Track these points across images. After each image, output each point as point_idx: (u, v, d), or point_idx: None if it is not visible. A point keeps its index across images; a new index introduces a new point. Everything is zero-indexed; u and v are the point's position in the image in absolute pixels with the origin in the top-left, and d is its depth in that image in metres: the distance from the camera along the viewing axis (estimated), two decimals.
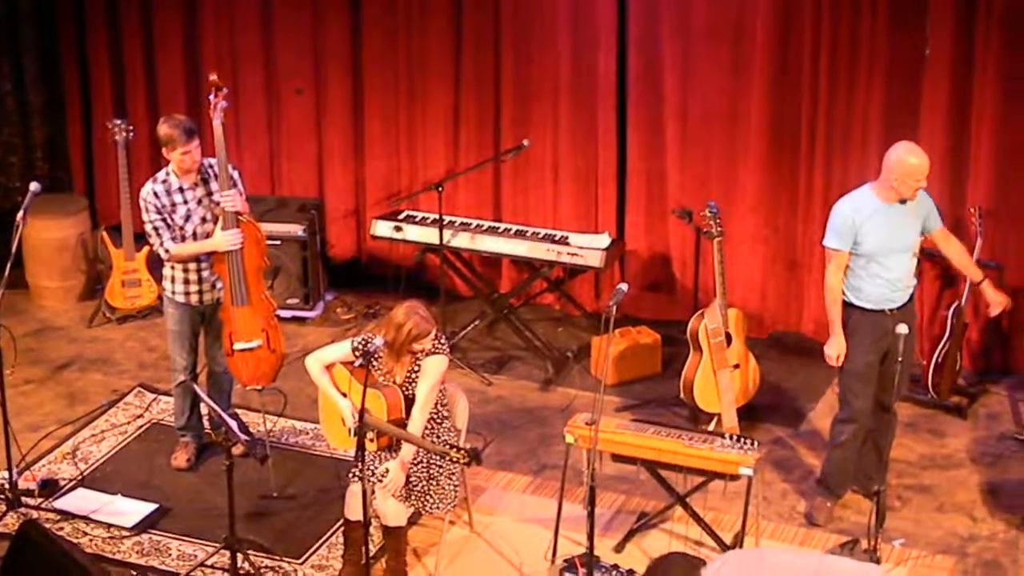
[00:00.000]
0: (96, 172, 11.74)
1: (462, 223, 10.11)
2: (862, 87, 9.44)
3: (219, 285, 8.29)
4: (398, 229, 10.13)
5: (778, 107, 9.69)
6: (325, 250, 10.99)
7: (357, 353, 7.43)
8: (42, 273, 10.89)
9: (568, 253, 9.71)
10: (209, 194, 8.21)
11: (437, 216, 9.80)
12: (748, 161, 9.86)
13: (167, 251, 8.16)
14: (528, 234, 9.95)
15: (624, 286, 7.12)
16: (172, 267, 8.29)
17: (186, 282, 8.30)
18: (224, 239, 8.10)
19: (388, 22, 10.57)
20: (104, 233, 10.69)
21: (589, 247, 9.68)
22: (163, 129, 8.08)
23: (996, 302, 8.15)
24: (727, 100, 9.81)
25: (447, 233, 9.87)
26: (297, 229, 10.50)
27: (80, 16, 11.44)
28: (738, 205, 9.90)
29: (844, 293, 7.83)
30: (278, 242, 10.36)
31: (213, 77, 8.24)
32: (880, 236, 7.66)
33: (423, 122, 10.70)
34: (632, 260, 10.34)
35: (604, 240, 9.76)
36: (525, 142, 10.05)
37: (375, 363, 7.46)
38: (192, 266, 8.26)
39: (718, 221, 8.75)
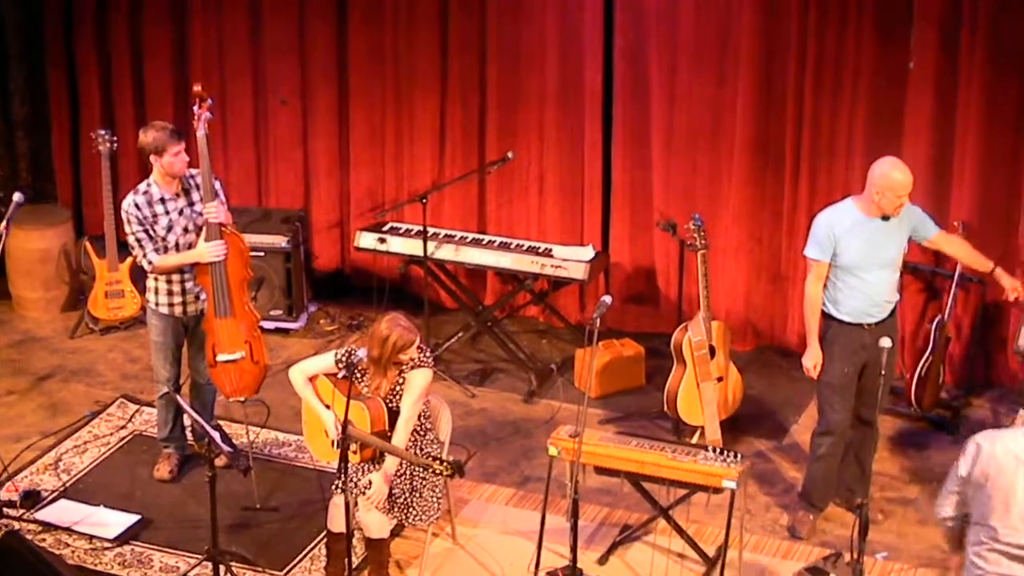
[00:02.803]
0: (83, 183, 11.73)
1: (446, 235, 10.11)
2: (846, 100, 9.47)
3: (202, 296, 8.27)
4: (382, 241, 10.12)
5: (763, 120, 9.72)
6: (309, 261, 10.99)
7: (340, 365, 7.43)
8: (25, 284, 10.87)
9: (552, 265, 9.71)
10: (191, 204, 8.20)
11: (421, 228, 9.80)
12: (733, 174, 9.87)
13: (150, 262, 8.15)
14: (512, 246, 9.95)
15: (608, 298, 7.13)
16: (155, 279, 8.28)
17: (169, 293, 8.28)
18: (207, 250, 8.09)
19: (374, 34, 10.58)
20: (87, 243, 10.65)
21: (573, 259, 9.68)
22: (149, 135, 8.07)
23: (1012, 287, 8.15)
24: (712, 113, 9.83)
25: (431, 245, 9.87)
26: (281, 240, 10.49)
27: (68, 27, 11.43)
28: (722, 217, 9.92)
29: (824, 304, 7.84)
30: (262, 253, 10.36)
31: (197, 88, 8.23)
32: (859, 249, 7.67)
33: (408, 134, 10.70)
34: (616, 272, 10.35)
35: (588, 252, 9.77)
36: (509, 154, 10.05)
37: (360, 377, 7.45)
38: (175, 277, 8.25)
39: (703, 233, 8.76)
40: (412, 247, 10.00)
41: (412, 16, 10.43)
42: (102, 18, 11.32)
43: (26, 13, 11.35)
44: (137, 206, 8.11)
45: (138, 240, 8.14)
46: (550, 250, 9.85)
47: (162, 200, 8.15)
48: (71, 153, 11.75)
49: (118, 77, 11.41)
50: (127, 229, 8.17)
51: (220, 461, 7.79)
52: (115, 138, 10.37)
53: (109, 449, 9.05)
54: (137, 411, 9.46)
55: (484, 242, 10.04)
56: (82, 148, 11.60)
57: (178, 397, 8.20)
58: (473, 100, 10.47)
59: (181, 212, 8.18)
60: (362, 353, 7.25)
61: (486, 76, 10.38)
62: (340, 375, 7.42)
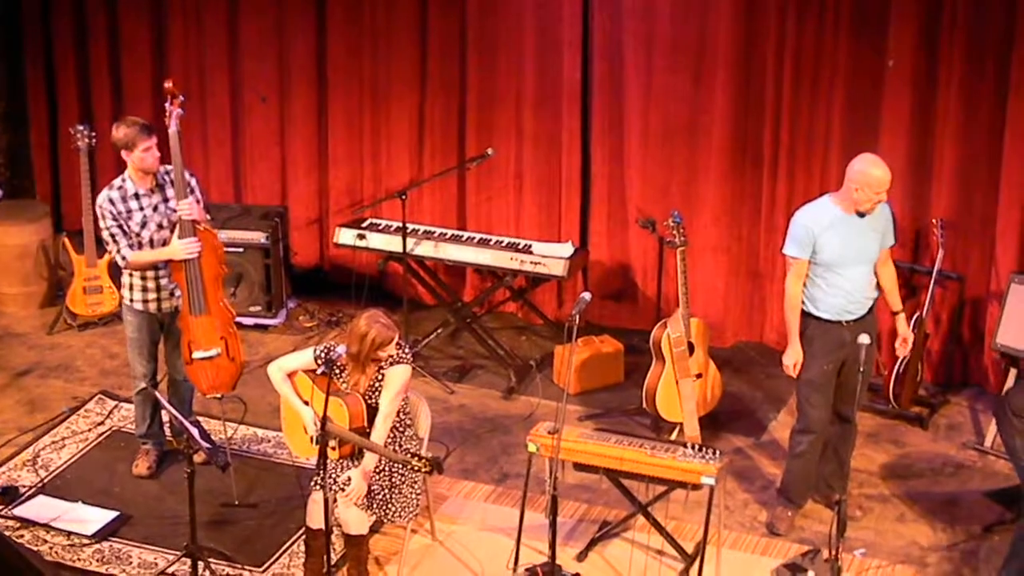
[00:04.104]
0: (61, 178, 11.71)
1: (425, 231, 10.11)
2: (824, 98, 9.49)
3: (177, 293, 8.25)
4: (361, 237, 10.12)
5: (741, 118, 9.73)
6: (288, 258, 10.97)
7: (319, 361, 7.43)
8: (3, 279, 10.83)
9: (531, 262, 9.71)
10: (165, 200, 8.18)
11: (400, 224, 9.79)
12: (711, 171, 9.89)
13: (124, 258, 8.13)
14: (491, 243, 9.95)
15: (587, 295, 7.13)
16: (130, 275, 8.26)
17: (144, 290, 8.26)
18: (181, 247, 8.06)
19: (353, 30, 10.58)
20: (66, 239, 10.64)
21: (552, 256, 9.68)
22: (121, 130, 8.05)
23: (904, 337, 8.14)
24: (690, 110, 9.84)
25: (410, 241, 9.87)
26: (260, 236, 10.47)
27: (46, 23, 11.40)
28: (701, 215, 9.94)
29: (803, 302, 7.84)
30: (241, 250, 10.36)
31: (168, 84, 8.22)
32: (838, 246, 7.67)
33: (387, 130, 10.70)
34: (595, 269, 10.36)
35: (567, 249, 9.77)
36: (489, 151, 10.06)
37: (339, 374, 7.45)
38: (150, 274, 8.22)
39: (681, 231, 8.76)
40: (391, 243, 9.99)
41: (391, 13, 10.43)
42: (80, 14, 11.31)
43: (3, 9, 11.32)
44: (111, 201, 8.09)
45: (112, 235, 8.12)
46: (529, 246, 9.85)
47: (136, 196, 8.12)
48: (49, 149, 11.73)
49: (96, 73, 11.41)
50: (101, 224, 8.15)
51: (199, 457, 7.78)
52: (93, 134, 10.35)
53: (87, 445, 9.03)
54: (116, 407, 9.44)
55: (463, 238, 10.04)
56: (60, 144, 11.58)
57: (156, 393, 8.19)
58: (452, 97, 10.48)
59: (155, 208, 8.16)
60: (341, 349, 7.25)
61: (465, 73, 10.39)
62: (319, 371, 7.41)
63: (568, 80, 10.08)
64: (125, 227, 8.10)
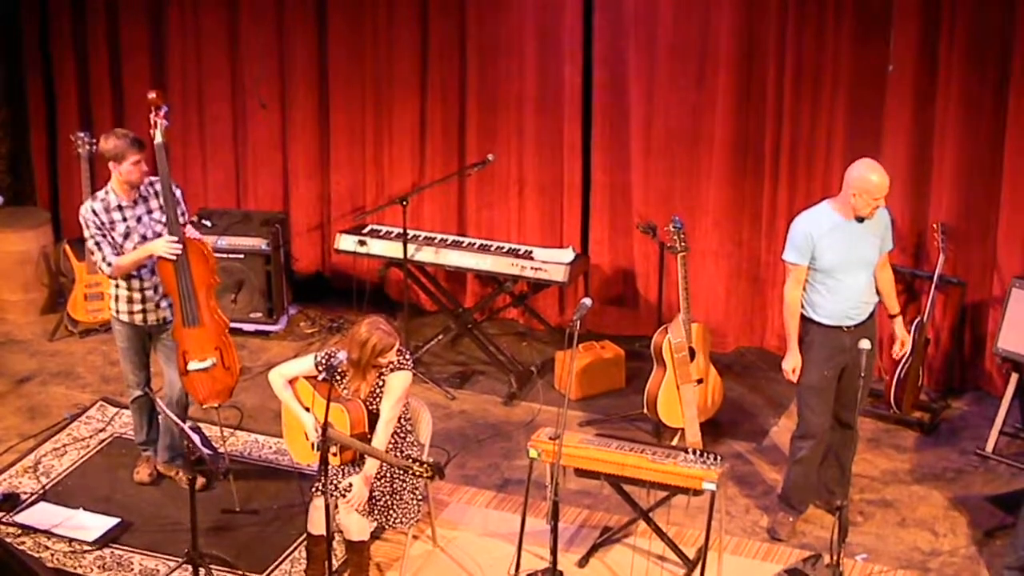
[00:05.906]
0: (61, 185, 11.71)
1: (426, 237, 10.10)
2: (825, 103, 9.49)
3: (163, 304, 8.21)
4: (362, 243, 10.11)
5: (742, 122, 9.73)
6: (289, 264, 10.97)
7: (320, 368, 7.42)
8: (4, 286, 10.83)
9: (532, 268, 9.71)
10: (149, 212, 8.15)
11: (401, 230, 9.79)
12: (712, 176, 9.89)
13: (109, 264, 8.07)
14: (492, 248, 9.95)
15: (588, 301, 7.13)
16: (116, 285, 8.21)
17: (129, 301, 8.22)
18: (164, 242, 8.00)
19: (354, 36, 10.57)
20: (67, 246, 10.64)
21: (553, 262, 9.68)
22: (111, 142, 8.03)
23: (902, 340, 8.16)
24: (691, 115, 9.84)
25: (411, 247, 9.86)
26: (261, 243, 10.48)
27: (45, 30, 11.40)
28: (701, 220, 9.93)
29: (803, 308, 7.84)
30: (242, 256, 10.37)
31: (152, 95, 8.21)
32: (838, 252, 7.67)
33: (388, 136, 10.70)
34: (596, 275, 10.35)
35: (568, 255, 9.77)
36: (490, 156, 10.06)
37: (340, 380, 7.44)
38: (136, 285, 8.17)
39: (682, 236, 8.77)
40: (392, 249, 9.99)
41: (392, 18, 10.42)
42: (79, 20, 11.30)
43: (2, 15, 11.32)
44: (94, 212, 8.07)
45: (97, 244, 8.08)
46: (530, 252, 9.85)
47: (119, 207, 8.09)
48: (49, 155, 11.72)
49: (96, 79, 11.39)
50: (85, 234, 8.12)
51: (199, 483, 7.92)
52: (94, 140, 10.34)
53: (88, 452, 9.03)
54: (117, 414, 9.43)
55: (464, 244, 10.03)
56: (60, 150, 11.57)
57: (154, 396, 8.17)
58: (453, 102, 10.47)
59: (139, 220, 8.11)
60: (342, 356, 7.24)
61: (466, 78, 10.38)
62: (320, 378, 7.41)
63: (569, 85, 10.08)
64: (109, 237, 8.08)
